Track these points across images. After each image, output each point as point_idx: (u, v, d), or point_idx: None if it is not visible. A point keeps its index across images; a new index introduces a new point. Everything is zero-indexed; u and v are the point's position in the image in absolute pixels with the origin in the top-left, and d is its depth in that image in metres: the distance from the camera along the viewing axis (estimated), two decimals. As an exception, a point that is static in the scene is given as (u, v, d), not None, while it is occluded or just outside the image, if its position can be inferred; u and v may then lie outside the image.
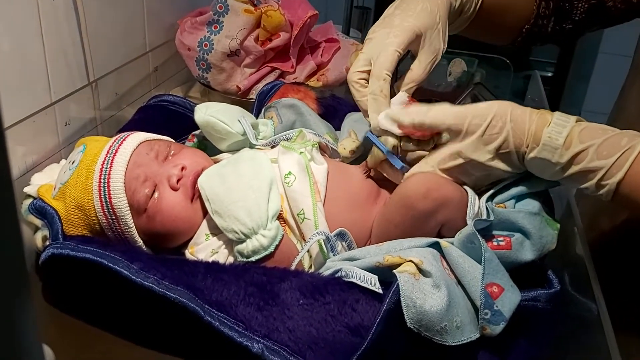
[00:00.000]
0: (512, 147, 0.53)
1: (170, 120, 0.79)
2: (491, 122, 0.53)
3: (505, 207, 0.56)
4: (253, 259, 0.55)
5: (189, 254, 0.58)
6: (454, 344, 0.48)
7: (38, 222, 0.58)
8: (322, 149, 0.69)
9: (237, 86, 0.95)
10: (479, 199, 0.57)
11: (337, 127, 0.76)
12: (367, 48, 0.61)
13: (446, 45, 0.64)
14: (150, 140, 0.63)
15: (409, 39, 0.60)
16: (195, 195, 0.59)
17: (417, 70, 0.62)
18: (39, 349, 0.22)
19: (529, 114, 0.53)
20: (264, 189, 0.57)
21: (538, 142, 0.52)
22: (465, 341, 0.49)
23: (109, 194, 0.57)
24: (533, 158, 0.52)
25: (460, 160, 0.55)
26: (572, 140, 0.51)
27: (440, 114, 0.55)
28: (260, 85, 0.92)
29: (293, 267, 0.56)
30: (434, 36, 0.62)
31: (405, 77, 0.63)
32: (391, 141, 0.58)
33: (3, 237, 0.19)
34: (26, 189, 0.62)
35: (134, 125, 0.76)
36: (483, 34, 0.77)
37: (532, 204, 0.56)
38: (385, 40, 0.60)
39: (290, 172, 0.60)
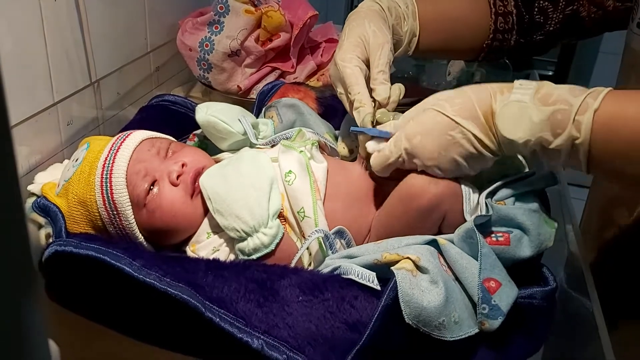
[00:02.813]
0: (474, 101, 0.52)
1: (172, 120, 0.79)
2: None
3: (505, 204, 0.56)
4: (254, 256, 0.56)
5: (190, 251, 0.59)
6: (452, 339, 0.49)
7: (41, 219, 0.59)
8: (322, 147, 0.69)
9: (238, 86, 0.96)
10: (479, 195, 0.58)
11: (337, 127, 0.77)
12: (337, 87, 0.66)
13: (390, 37, 0.66)
14: (152, 138, 0.64)
15: (354, 56, 0.64)
16: (195, 192, 0.59)
17: (375, 62, 0.64)
18: (45, 345, 0.23)
19: (487, 83, 0.54)
20: (265, 187, 0.58)
21: (510, 89, 0.52)
22: (463, 336, 0.49)
23: (111, 189, 0.57)
24: (506, 105, 0.51)
25: (431, 111, 0.54)
26: (542, 86, 0.51)
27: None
28: (260, 85, 0.93)
29: (293, 265, 0.56)
30: (371, 38, 0.64)
31: (372, 75, 0.64)
32: (368, 119, 0.61)
33: (10, 235, 0.20)
34: (30, 187, 0.62)
35: (135, 125, 0.76)
36: (442, 52, 0.79)
37: (531, 202, 0.56)
38: (337, 70, 0.64)
39: (290, 171, 0.61)
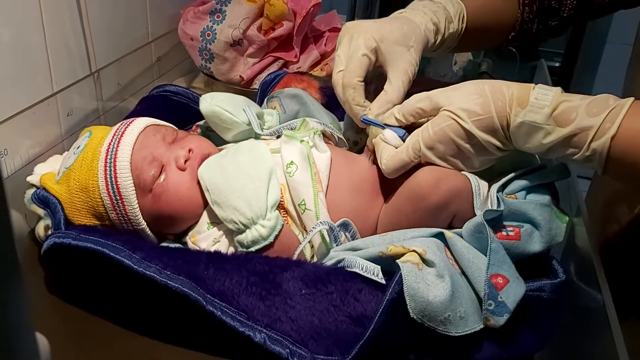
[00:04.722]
0: (493, 112, 0.52)
1: (173, 110, 0.78)
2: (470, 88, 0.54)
3: (516, 198, 0.55)
4: (253, 249, 0.55)
5: (190, 242, 0.58)
6: (457, 335, 0.48)
7: (41, 211, 0.58)
8: (328, 137, 0.68)
9: (240, 76, 0.94)
10: (489, 189, 0.57)
11: (341, 117, 0.76)
12: (340, 49, 0.63)
13: (417, 68, 0.63)
14: (156, 124, 0.63)
15: (374, 44, 0.61)
16: None
17: (391, 93, 0.62)
18: (32, 337, 0.22)
19: (506, 83, 0.54)
20: (263, 179, 0.57)
21: (524, 105, 0.51)
22: (469, 332, 0.48)
23: (115, 173, 0.57)
24: (520, 123, 0.51)
25: (449, 121, 0.54)
26: (559, 102, 0.50)
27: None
28: (263, 75, 0.92)
29: (295, 258, 0.55)
30: (404, 57, 0.62)
31: (379, 98, 0.62)
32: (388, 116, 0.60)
33: None
34: (29, 179, 0.62)
35: (136, 115, 0.75)
36: (470, 47, 0.80)
37: (542, 196, 0.56)
38: (353, 40, 0.62)
39: (292, 162, 0.60)
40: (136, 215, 0.57)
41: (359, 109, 0.62)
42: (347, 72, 0.61)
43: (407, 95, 0.62)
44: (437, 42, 0.66)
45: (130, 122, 0.61)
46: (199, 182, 0.58)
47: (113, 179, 0.57)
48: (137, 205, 0.57)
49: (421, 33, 0.64)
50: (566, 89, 0.52)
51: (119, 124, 0.62)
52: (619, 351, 0.45)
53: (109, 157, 0.57)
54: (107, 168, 0.57)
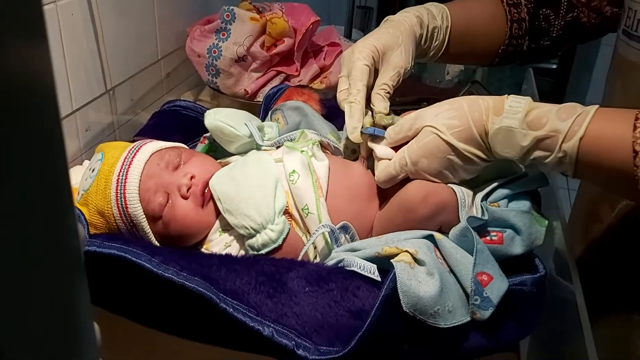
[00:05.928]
0: (470, 123, 0.56)
1: (183, 124, 0.83)
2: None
3: (499, 206, 0.60)
4: (263, 251, 0.59)
5: (203, 248, 0.63)
6: (446, 327, 0.52)
7: (65, 221, 0.63)
8: (325, 147, 0.72)
9: (245, 90, 0.99)
10: (473, 198, 0.61)
11: (340, 127, 0.80)
12: (343, 70, 0.69)
13: (411, 65, 0.68)
14: (161, 150, 0.65)
15: (370, 53, 0.67)
16: (206, 200, 0.62)
17: (385, 78, 0.67)
18: (91, 325, 0.27)
19: (482, 97, 0.58)
20: (270, 187, 0.61)
21: (499, 113, 0.55)
22: (456, 324, 0.53)
23: (126, 204, 0.61)
24: (497, 129, 0.55)
25: (431, 136, 0.58)
26: (531, 109, 0.55)
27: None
28: (266, 89, 0.97)
29: (300, 258, 0.60)
30: (394, 55, 0.67)
31: (377, 85, 0.68)
32: (367, 121, 0.65)
33: (62, 223, 0.23)
34: (53, 191, 0.66)
35: (149, 129, 0.80)
36: (460, 59, 0.83)
37: (523, 203, 0.60)
38: (352, 57, 0.67)
39: (294, 171, 0.64)
40: (150, 238, 0.62)
41: (357, 107, 0.65)
42: (351, 80, 0.66)
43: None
44: (424, 36, 0.72)
45: (137, 151, 0.64)
46: (202, 206, 0.62)
47: (124, 209, 0.61)
48: (149, 230, 0.62)
49: (407, 28, 0.70)
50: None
51: (127, 150, 0.64)
52: (586, 340, 0.49)
53: (119, 187, 0.61)
54: (119, 198, 0.61)
